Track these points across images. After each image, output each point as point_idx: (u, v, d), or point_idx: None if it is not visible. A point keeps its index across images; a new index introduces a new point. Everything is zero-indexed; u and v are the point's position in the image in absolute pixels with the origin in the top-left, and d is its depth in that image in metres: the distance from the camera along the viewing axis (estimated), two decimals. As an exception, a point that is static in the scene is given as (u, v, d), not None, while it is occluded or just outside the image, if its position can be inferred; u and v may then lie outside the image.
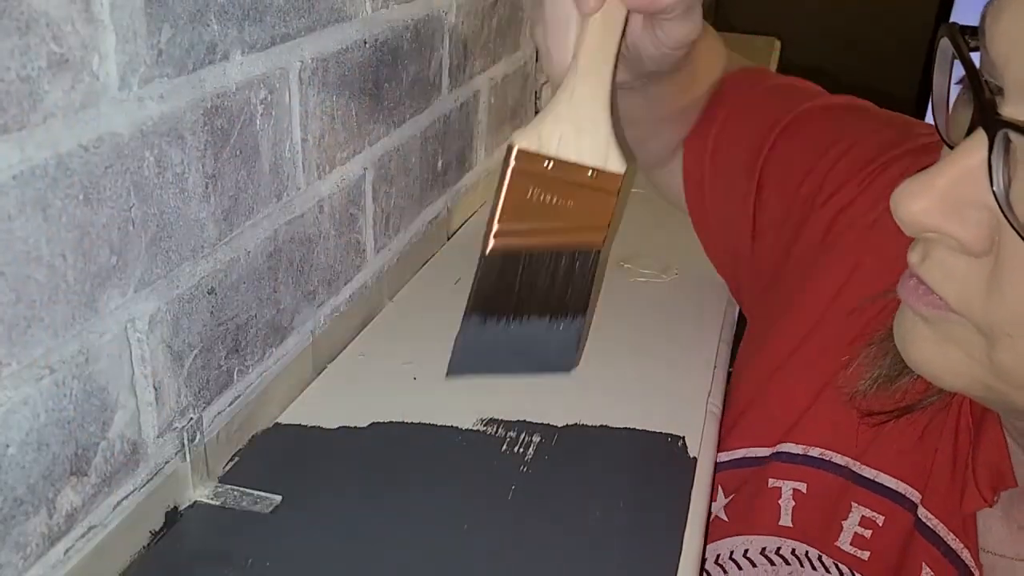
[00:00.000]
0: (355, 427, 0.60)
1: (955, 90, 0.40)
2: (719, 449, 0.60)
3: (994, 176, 0.34)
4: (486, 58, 0.91)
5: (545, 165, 0.45)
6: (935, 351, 0.40)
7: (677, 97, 0.63)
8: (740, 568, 0.56)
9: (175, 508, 0.51)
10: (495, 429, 0.60)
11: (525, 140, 0.45)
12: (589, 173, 0.46)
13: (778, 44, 1.87)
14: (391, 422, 0.60)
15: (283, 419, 0.61)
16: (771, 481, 0.55)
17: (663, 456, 0.58)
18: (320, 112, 0.60)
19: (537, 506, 0.53)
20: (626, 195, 0.45)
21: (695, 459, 0.58)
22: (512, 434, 0.60)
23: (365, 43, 0.65)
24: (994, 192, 0.34)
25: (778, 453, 0.56)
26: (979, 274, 0.37)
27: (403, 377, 0.66)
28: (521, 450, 0.58)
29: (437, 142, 0.82)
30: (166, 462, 0.51)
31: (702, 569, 0.51)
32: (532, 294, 0.48)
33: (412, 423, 0.60)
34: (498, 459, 0.57)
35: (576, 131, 0.45)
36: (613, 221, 0.48)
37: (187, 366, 0.51)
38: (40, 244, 0.39)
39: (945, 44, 0.38)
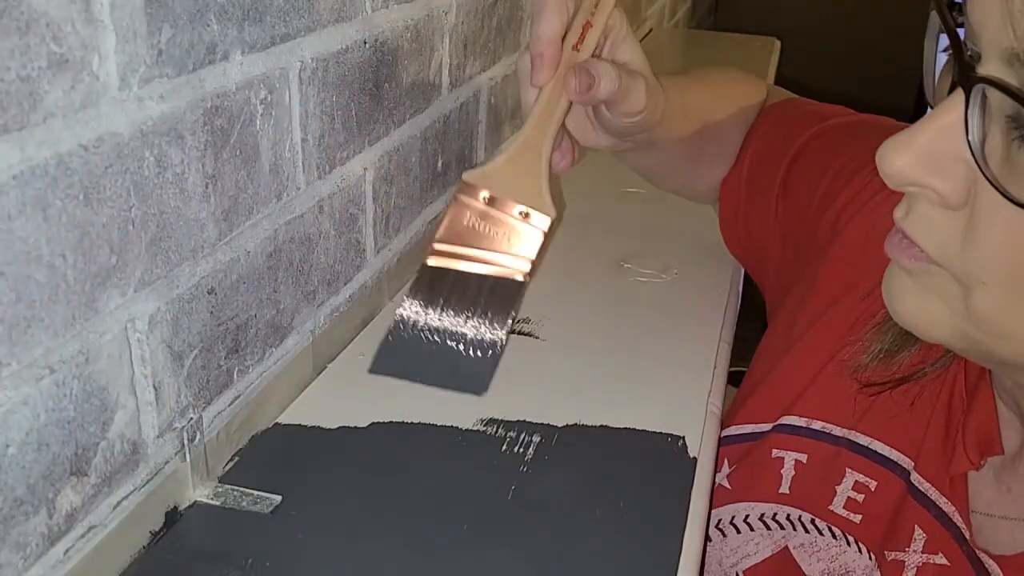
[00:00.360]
0: (355, 427, 0.60)
1: (942, 59, 0.42)
2: (727, 424, 0.63)
3: (970, 130, 0.37)
4: (486, 58, 0.91)
5: (482, 198, 0.53)
6: (918, 303, 0.43)
7: (679, 143, 0.69)
8: (739, 532, 0.59)
9: (175, 508, 0.51)
10: (495, 429, 0.60)
11: (471, 174, 0.54)
12: (518, 211, 0.53)
13: (778, 44, 1.87)
14: (391, 422, 0.60)
15: (283, 419, 0.61)
16: (774, 452, 0.58)
17: (663, 456, 0.58)
18: (320, 112, 0.60)
19: (537, 506, 0.53)
20: (550, 239, 0.55)
21: (695, 459, 0.58)
22: (512, 434, 0.60)
23: (365, 43, 0.65)
24: (969, 144, 0.37)
25: (781, 425, 0.59)
26: (956, 226, 0.39)
27: (403, 377, 0.66)
28: (521, 450, 0.58)
29: (437, 142, 0.82)
30: (166, 462, 0.51)
31: (702, 568, 0.52)
32: (455, 312, 0.53)
33: (412, 423, 0.60)
34: (498, 459, 0.57)
35: (515, 173, 0.54)
36: (538, 260, 0.54)
37: (187, 366, 0.51)
38: (40, 244, 0.39)
39: (934, 16, 0.41)
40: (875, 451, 0.54)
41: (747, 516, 0.59)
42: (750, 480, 0.59)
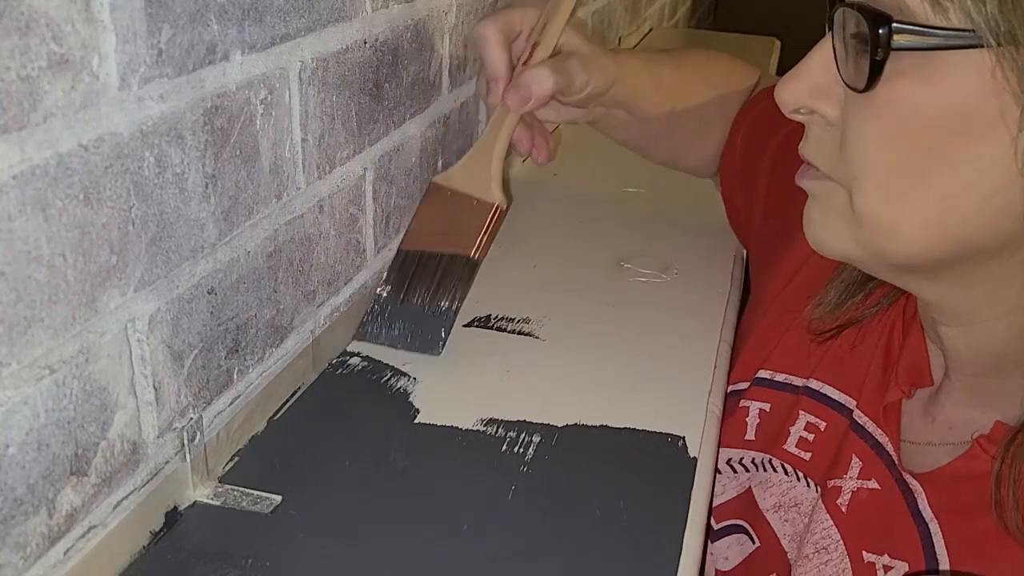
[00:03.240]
0: (355, 427, 0.60)
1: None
2: (732, 368, 0.69)
3: (836, 47, 0.45)
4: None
5: (447, 192, 0.67)
6: (823, 223, 0.49)
7: (655, 117, 0.76)
8: (718, 473, 0.64)
9: (175, 508, 0.51)
10: (495, 429, 0.60)
11: (438, 177, 0.68)
12: (473, 201, 0.66)
13: (778, 44, 1.87)
14: (391, 422, 0.60)
15: (283, 419, 0.61)
16: (742, 402, 0.65)
17: (663, 456, 0.58)
18: (320, 112, 0.60)
19: (537, 506, 0.53)
20: (500, 223, 0.67)
21: (695, 459, 0.58)
22: (512, 434, 0.60)
23: (365, 43, 0.65)
24: (835, 52, 0.45)
25: (756, 379, 0.65)
26: (836, 138, 0.46)
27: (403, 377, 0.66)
28: (521, 450, 0.58)
29: (437, 142, 0.82)
30: (166, 462, 0.51)
31: (702, 569, 0.52)
32: (420, 283, 0.66)
33: (412, 423, 0.60)
34: (498, 459, 0.57)
35: (472, 171, 0.67)
36: (486, 238, 0.65)
37: (187, 366, 0.51)
38: (40, 244, 0.39)
39: None
40: (825, 395, 0.60)
41: (719, 463, 0.64)
42: (724, 429, 0.64)
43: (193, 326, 0.51)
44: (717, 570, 0.61)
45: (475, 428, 0.60)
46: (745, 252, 0.86)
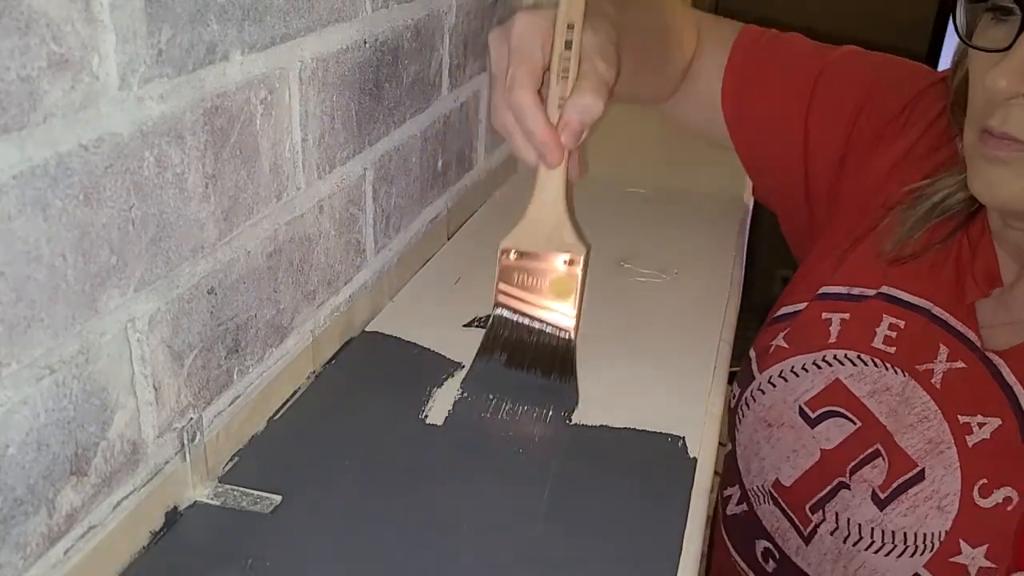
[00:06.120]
0: (355, 427, 0.60)
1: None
2: (781, 305, 0.77)
3: None
4: (486, 58, 0.91)
5: (513, 256, 0.62)
6: (1013, 184, 0.59)
7: (632, 63, 0.71)
8: (797, 376, 0.72)
9: (175, 508, 0.51)
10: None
11: (506, 239, 0.62)
12: (556, 260, 0.61)
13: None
14: (391, 422, 0.60)
15: (283, 419, 0.61)
16: (823, 314, 0.73)
17: (663, 456, 0.58)
18: (320, 112, 0.60)
19: (537, 506, 0.53)
20: (586, 273, 0.63)
21: (695, 459, 0.58)
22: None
23: (365, 43, 0.65)
24: None
25: (823, 294, 0.73)
26: None
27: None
28: (521, 450, 0.58)
29: (437, 142, 0.82)
30: (166, 462, 0.51)
31: (702, 569, 0.52)
32: (528, 358, 0.63)
33: (412, 423, 0.60)
34: (498, 459, 0.57)
35: (536, 228, 0.61)
36: (581, 295, 0.62)
37: (187, 366, 0.51)
38: (40, 244, 0.39)
39: None
40: (902, 299, 0.70)
41: (803, 364, 0.72)
42: (804, 337, 0.73)
43: (193, 326, 0.51)
44: (821, 449, 0.70)
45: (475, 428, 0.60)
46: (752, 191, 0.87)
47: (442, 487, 0.55)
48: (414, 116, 0.76)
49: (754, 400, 0.75)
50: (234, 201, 0.53)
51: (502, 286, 0.62)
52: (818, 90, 0.76)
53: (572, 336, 0.62)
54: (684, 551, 0.50)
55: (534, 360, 0.63)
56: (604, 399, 0.64)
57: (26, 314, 0.39)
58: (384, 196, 0.73)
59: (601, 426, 0.61)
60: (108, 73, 0.41)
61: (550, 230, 0.61)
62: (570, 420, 0.61)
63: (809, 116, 0.76)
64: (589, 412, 0.62)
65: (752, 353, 0.77)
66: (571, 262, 0.61)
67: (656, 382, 0.66)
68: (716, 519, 0.84)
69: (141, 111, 0.43)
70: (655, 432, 0.60)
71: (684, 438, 0.60)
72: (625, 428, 0.61)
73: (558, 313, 0.62)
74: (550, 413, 0.62)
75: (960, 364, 0.66)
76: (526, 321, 0.62)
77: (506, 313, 0.63)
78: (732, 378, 0.72)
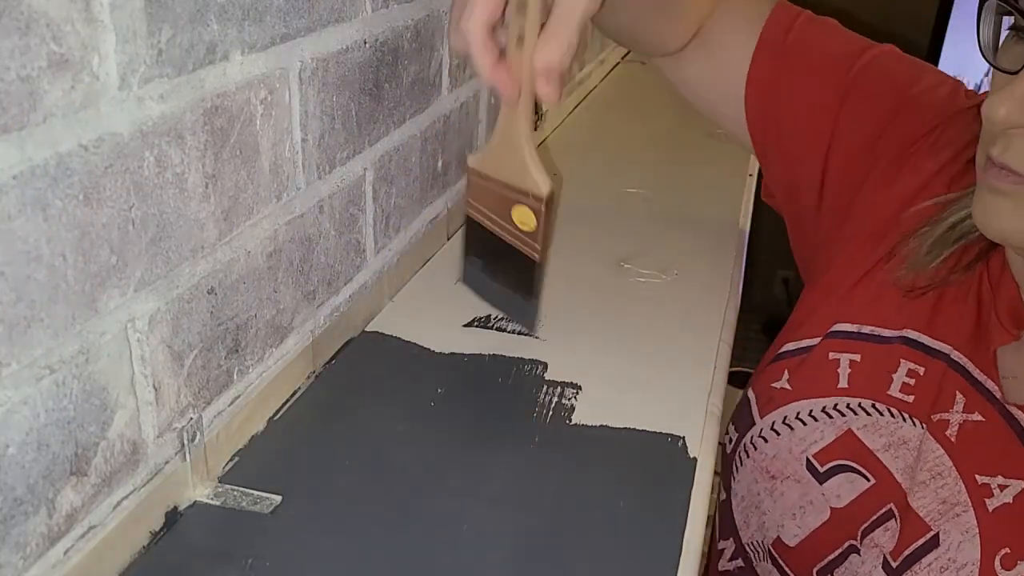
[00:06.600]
0: (355, 427, 0.60)
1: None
2: (786, 340, 0.71)
3: None
4: None
5: (486, 178, 0.60)
6: (1010, 219, 0.55)
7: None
8: (804, 424, 0.67)
9: (175, 508, 0.51)
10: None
11: (472, 158, 0.61)
12: (518, 194, 0.59)
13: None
14: (391, 422, 0.60)
15: (283, 419, 0.61)
16: (831, 355, 0.67)
17: (663, 456, 0.58)
18: (320, 112, 0.60)
19: (537, 506, 0.53)
20: (554, 209, 0.63)
21: (695, 459, 0.58)
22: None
23: (365, 43, 0.65)
24: None
25: (833, 332, 0.68)
26: None
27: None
28: (521, 450, 0.58)
29: (437, 142, 0.82)
30: (166, 462, 0.51)
31: (702, 569, 0.52)
32: (499, 265, 0.64)
33: (412, 423, 0.60)
34: (498, 459, 0.57)
35: (504, 157, 0.59)
36: (545, 231, 0.60)
37: (187, 366, 0.51)
38: (40, 244, 0.39)
39: (991, 3, 0.54)
40: (922, 343, 0.65)
41: (811, 411, 0.67)
42: (809, 380, 0.68)
43: (193, 326, 0.51)
44: (832, 507, 0.65)
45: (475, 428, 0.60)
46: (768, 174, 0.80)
47: (442, 487, 0.55)
48: (414, 116, 0.76)
49: (754, 448, 0.68)
50: (234, 201, 0.53)
51: (472, 201, 0.62)
52: (852, 90, 0.71)
53: (537, 259, 0.61)
54: (684, 551, 0.50)
55: (503, 273, 0.64)
56: (604, 399, 0.64)
57: (26, 314, 0.39)
58: (384, 196, 0.73)
59: (601, 426, 0.61)
60: (108, 73, 0.41)
61: (515, 165, 0.59)
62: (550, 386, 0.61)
63: (841, 112, 0.71)
64: (589, 412, 0.62)
65: (751, 394, 0.71)
66: (532, 199, 0.59)
67: (656, 382, 0.66)
68: (707, 574, 0.78)
69: (141, 111, 0.43)
70: (655, 432, 0.60)
71: (684, 438, 0.60)
72: (625, 428, 0.61)
73: (522, 240, 0.61)
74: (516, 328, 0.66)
75: (977, 416, 0.61)
76: (499, 232, 0.62)
77: (479, 219, 0.62)
78: (732, 378, 0.71)
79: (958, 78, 0.72)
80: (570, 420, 0.61)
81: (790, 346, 0.70)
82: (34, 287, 0.39)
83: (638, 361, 0.69)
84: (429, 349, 0.69)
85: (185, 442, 0.51)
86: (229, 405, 0.56)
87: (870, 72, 0.71)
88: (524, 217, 0.59)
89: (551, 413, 0.62)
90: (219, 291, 0.53)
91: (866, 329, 0.67)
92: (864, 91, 0.71)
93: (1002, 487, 0.58)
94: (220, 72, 0.49)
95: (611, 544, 0.51)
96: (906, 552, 0.60)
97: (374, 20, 0.65)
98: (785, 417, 0.67)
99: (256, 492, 0.53)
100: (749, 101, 0.73)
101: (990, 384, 0.61)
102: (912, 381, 0.64)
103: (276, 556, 0.49)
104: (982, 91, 0.69)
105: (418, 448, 0.58)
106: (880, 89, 0.71)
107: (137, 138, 0.43)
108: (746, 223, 0.99)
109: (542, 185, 0.58)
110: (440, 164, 0.84)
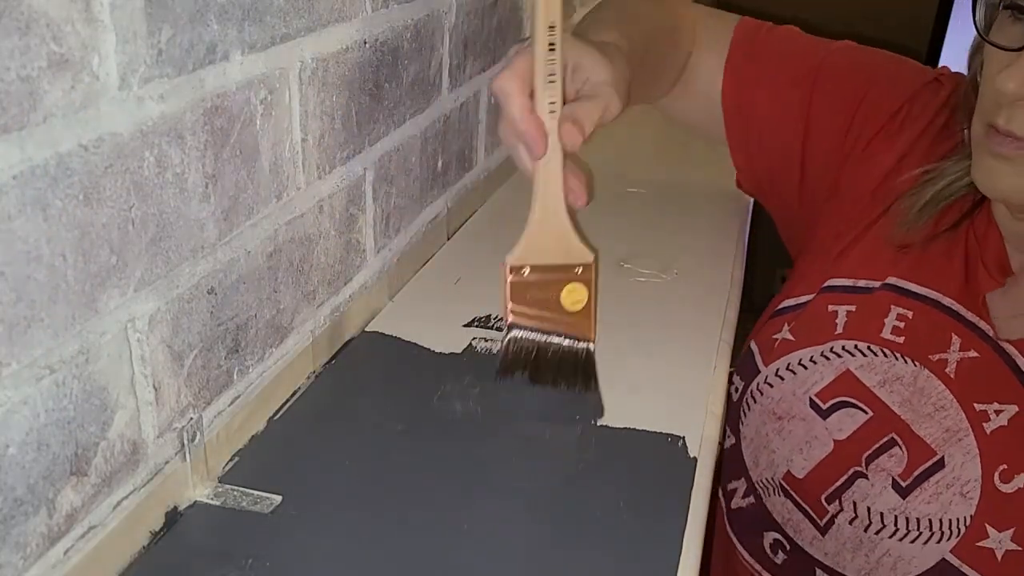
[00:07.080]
0: (355, 427, 0.60)
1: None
2: (784, 298, 0.77)
3: None
4: (486, 58, 0.91)
5: (524, 273, 0.59)
6: (1014, 180, 0.62)
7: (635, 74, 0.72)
8: (806, 369, 0.73)
9: (175, 508, 0.51)
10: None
11: (510, 256, 0.59)
12: (567, 271, 0.59)
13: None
14: (391, 422, 0.60)
15: (283, 419, 0.61)
16: (829, 307, 0.74)
17: (663, 456, 0.58)
18: (320, 112, 0.60)
19: (537, 506, 0.53)
20: (596, 277, 0.60)
21: (695, 459, 0.58)
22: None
23: (365, 43, 0.65)
24: None
25: (828, 287, 0.74)
26: None
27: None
28: (520, 450, 0.58)
29: (437, 142, 0.82)
30: (166, 462, 0.51)
31: (702, 569, 0.52)
32: (545, 369, 0.61)
33: (412, 423, 0.60)
34: (498, 459, 0.57)
35: (545, 240, 0.58)
36: (594, 306, 0.60)
37: (187, 366, 0.51)
38: (40, 244, 0.39)
39: None
40: (909, 290, 0.71)
41: (811, 356, 0.73)
42: (809, 330, 0.74)
43: (193, 326, 0.51)
44: (835, 440, 0.71)
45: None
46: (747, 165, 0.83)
47: (442, 487, 0.55)
48: (414, 116, 0.76)
49: (761, 393, 0.75)
50: (234, 201, 0.53)
51: (513, 305, 0.59)
52: (819, 81, 0.77)
53: (591, 347, 0.61)
54: (684, 551, 0.50)
55: (556, 374, 0.61)
56: (604, 399, 0.64)
57: (26, 314, 0.39)
58: (384, 196, 0.73)
59: (601, 426, 0.61)
60: (108, 73, 0.41)
61: (555, 241, 0.58)
62: (578, 418, 0.61)
63: (811, 107, 0.77)
64: (589, 412, 0.62)
65: (754, 346, 0.77)
66: (582, 271, 0.59)
67: (656, 382, 0.66)
68: (717, 513, 0.84)
69: (141, 111, 0.43)
70: (655, 432, 0.60)
71: (684, 438, 0.60)
72: (625, 428, 0.61)
73: (575, 324, 0.60)
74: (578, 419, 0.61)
75: (973, 353, 0.68)
76: (543, 338, 0.60)
77: (522, 333, 0.60)
78: (730, 375, 0.72)
79: (913, 62, 0.79)
80: (570, 420, 0.61)
81: (788, 302, 0.77)
82: (34, 287, 0.39)
83: (638, 361, 0.69)
84: (429, 349, 0.69)
85: (185, 442, 0.51)
86: (229, 405, 0.56)
87: (832, 66, 0.78)
88: (575, 296, 0.59)
89: (551, 413, 0.62)
90: (219, 291, 0.53)
91: (860, 283, 0.73)
92: (831, 79, 0.77)
93: (998, 412, 0.66)
94: (220, 72, 0.49)
95: (611, 544, 0.51)
96: (915, 473, 0.67)
97: (374, 20, 0.65)
98: (788, 364, 0.74)
99: (256, 492, 0.53)
100: (726, 112, 0.80)
101: (983, 324, 0.68)
102: (902, 324, 0.71)
103: (276, 556, 0.49)
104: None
105: (418, 448, 0.58)
106: (844, 80, 0.77)
107: (137, 138, 0.43)
108: (746, 222, 0.99)
109: (588, 251, 0.59)
110: (440, 164, 0.84)
